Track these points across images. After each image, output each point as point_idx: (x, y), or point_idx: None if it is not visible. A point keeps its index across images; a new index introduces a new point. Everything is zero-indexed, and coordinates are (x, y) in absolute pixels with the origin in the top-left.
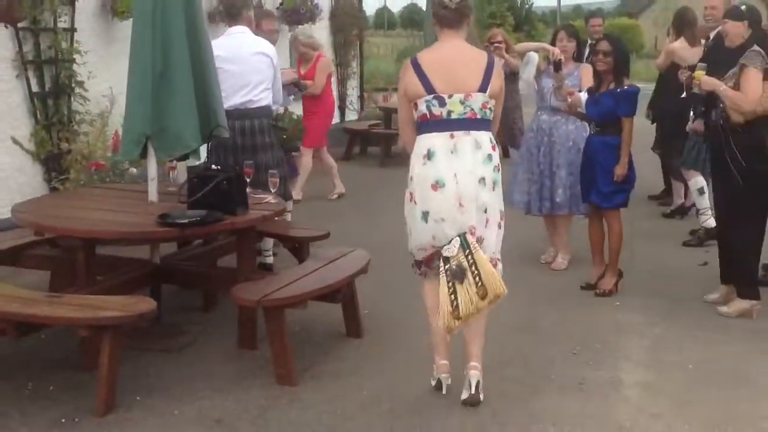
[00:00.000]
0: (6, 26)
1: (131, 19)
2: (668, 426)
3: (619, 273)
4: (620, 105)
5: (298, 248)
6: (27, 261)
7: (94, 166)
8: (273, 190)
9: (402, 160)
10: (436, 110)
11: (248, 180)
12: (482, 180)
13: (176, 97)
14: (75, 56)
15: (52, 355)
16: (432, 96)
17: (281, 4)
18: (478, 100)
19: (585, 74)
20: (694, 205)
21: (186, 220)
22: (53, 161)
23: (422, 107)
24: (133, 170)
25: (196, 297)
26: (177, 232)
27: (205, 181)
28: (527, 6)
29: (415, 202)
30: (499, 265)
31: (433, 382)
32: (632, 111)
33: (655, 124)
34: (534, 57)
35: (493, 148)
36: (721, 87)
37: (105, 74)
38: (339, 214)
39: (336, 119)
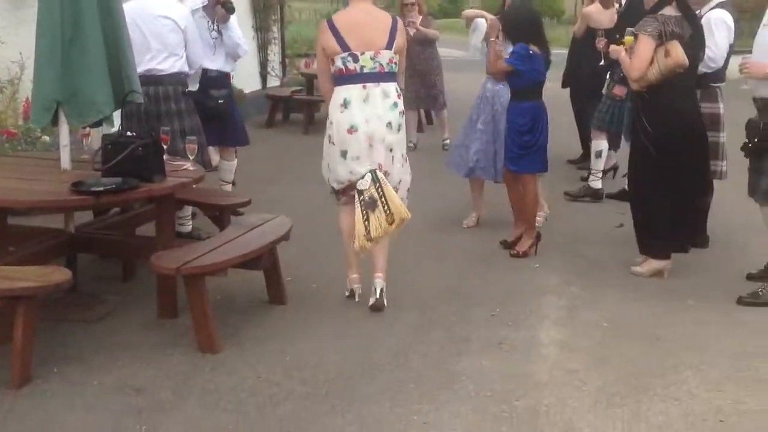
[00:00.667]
0: None
1: None
2: (583, 381)
3: (536, 236)
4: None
5: (219, 216)
6: None
7: (5, 134)
8: (191, 157)
9: (324, 128)
10: (351, 65)
11: (165, 147)
12: (389, 124)
13: (88, 61)
14: None
15: None
16: (347, 53)
17: None
18: (385, 56)
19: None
20: (613, 166)
21: (101, 188)
22: None
23: (339, 63)
24: (46, 138)
25: (114, 266)
26: (92, 200)
27: (120, 147)
28: None
29: (334, 143)
30: (407, 196)
31: (347, 293)
32: (514, 62)
33: (569, 89)
34: (481, 24)
35: (398, 96)
36: (621, 54)
37: (14, 39)
38: (262, 181)
39: (258, 85)
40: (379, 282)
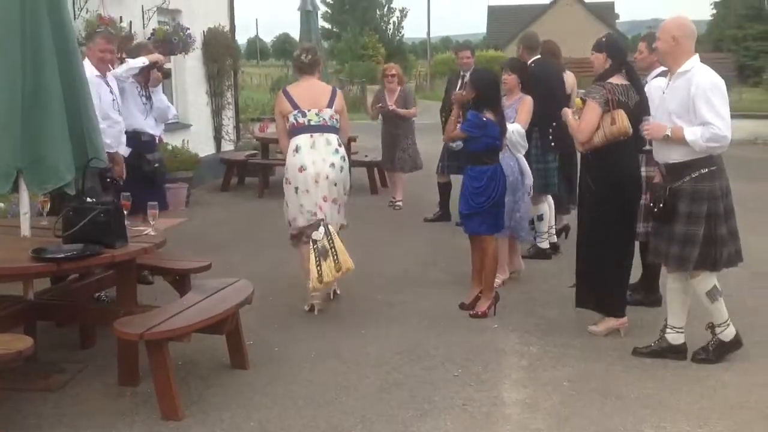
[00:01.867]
0: None
1: None
2: None
3: (495, 296)
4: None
5: (179, 280)
6: None
7: None
8: (152, 223)
9: (279, 191)
10: (300, 120)
11: (126, 212)
12: (332, 164)
13: (50, 126)
14: None
15: None
16: (297, 111)
17: (152, 34)
18: (327, 113)
19: (522, 106)
20: (564, 227)
21: (62, 255)
22: None
23: (291, 119)
24: (1, 205)
25: (71, 333)
26: (54, 266)
27: (82, 213)
28: (398, 38)
29: (289, 182)
30: (343, 215)
31: (307, 307)
32: (467, 129)
33: None
34: None
35: (339, 144)
36: (569, 116)
37: None
38: (218, 245)
39: (212, 149)
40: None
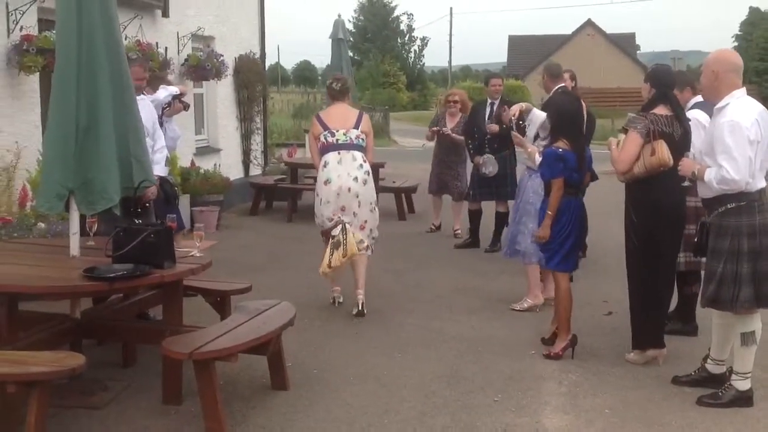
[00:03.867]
0: None
1: (38, 74)
2: None
3: (572, 338)
4: (543, 165)
5: (220, 302)
6: None
7: (1, 221)
8: (198, 244)
9: (307, 215)
10: (330, 139)
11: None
12: (356, 178)
13: (101, 150)
14: None
15: None
16: (327, 131)
17: (187, 60)
18: (353, 133)
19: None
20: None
21: (114, 274)
22: None
23: (321, 138)
24: (42, 225)
25: (113, 352)
26: (105, 286)
27: (132, 234)
28: (419, 66)
29: (317, 194)
30: (375, 232)
31: (332, 300)
32: (550, 173)
33: None
34: (537, 117)
35: (364, 160)
36: (612, 146)
37: (11, 128)
38: (251, 268)
39: (241, 174)
40: (360, 295)
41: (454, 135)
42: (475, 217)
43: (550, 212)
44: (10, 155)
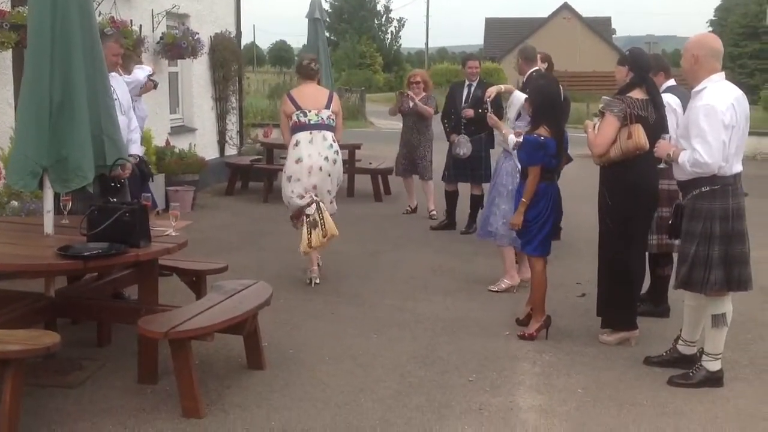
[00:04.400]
0: None
1: (10, 50)
2: None
3: (546, 319)
4: (522, 152)
5: (196, 281)
6: None
7: None
8: (173, 223)
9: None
10: (302, 119)
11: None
12: (326, 158)
13: (75, 127)
14: None
15: None
16: (299, 111)
17: (161, 38)
18: (325, 113)
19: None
20: None
21: (89, 252)
22: None
23: (294, 117)
24: (14, 203)
25: (86, 331)
26: (80, 264)
27: (108, 213)
28: (395, 47)
29: (286, 172)
30: (335, 204)
31: (308, 280)
32: (528, 159)
33: None
34: (517, 99)
35: (334, 140)
36: (588, 129)
37: None
38: (227, 248)
39: (216, 154)
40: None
41: (419, 103)
42: (451, 198)
43: (524, 199)
44: None
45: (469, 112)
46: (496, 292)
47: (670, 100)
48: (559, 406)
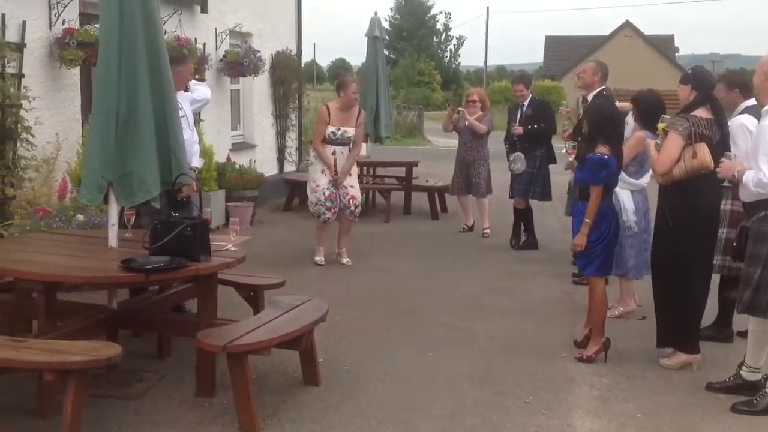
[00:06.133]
0: None
1: (78, 67)
2: None
3: (605, 342)
4: (584, 171)
5: (254, 296)
6: None
7: (41, 212)
8: (233, 238)
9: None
10: (332, 135)
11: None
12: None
13: (140, 142)
14: (22, 102)
15: (8, 402)
16: (332, 127)
17: (224, 56)
18: (350, 131)
19: (633, 140)
20: None
21: (151, 266)
22: None
23: (327, 131)
24: (80, 217)
25: (147, 344)
26: (142, 277)
27: (170, 227)
28: (454, 65)
29: (314, 180)
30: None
31: (317, 264)
32: (592, 179)
33: None
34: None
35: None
36: (650, 148)
37: (51, 120)
38: (284, 263)
39: (275, 170)
40: (344, 253)
41: (471, 119)
42: (521, 215)
43: (588, 220)
44: (50, 147)
45: (518, 130)
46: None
47: (745, 121)
48: (618, 431)
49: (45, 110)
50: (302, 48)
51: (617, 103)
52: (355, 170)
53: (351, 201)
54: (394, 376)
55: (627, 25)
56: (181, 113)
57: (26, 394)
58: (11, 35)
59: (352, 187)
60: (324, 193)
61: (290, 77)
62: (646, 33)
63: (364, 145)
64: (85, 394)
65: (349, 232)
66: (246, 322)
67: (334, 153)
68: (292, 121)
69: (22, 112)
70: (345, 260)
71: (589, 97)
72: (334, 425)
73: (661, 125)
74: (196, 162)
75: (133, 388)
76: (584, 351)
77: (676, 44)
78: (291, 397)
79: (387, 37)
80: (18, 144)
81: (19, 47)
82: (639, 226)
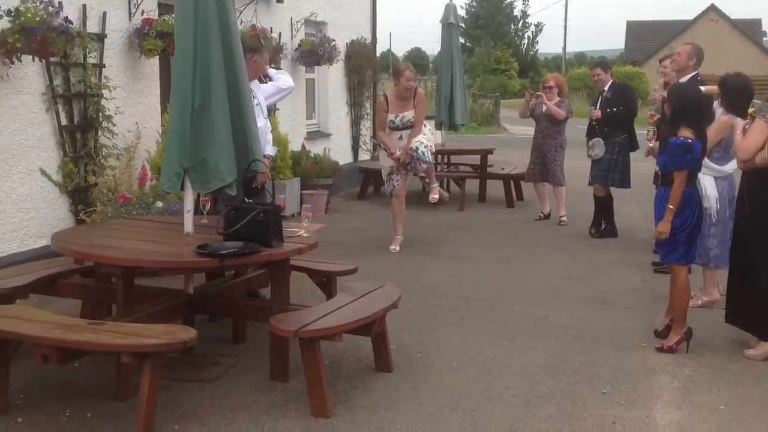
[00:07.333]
0: (41, 60)
1: (157, 57)
2: None
3: (687, 331)
4: (667, 156)
5: (326, 282)
6: (60, 290)
7: (122, 199)
8: (305, 224)
9: (412, 200)
10: (392, 123)
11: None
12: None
13: (214, 130)
14: (103, 91)
15: (87, 383)
16: (391, 114)
17: (299, 45)
18: (408, 115)
19: (717, 124)
20: None
21: (225, 251)
22: (80, 193)
23: (388, 119)
24: (159, 203)
25: (223, 328)
26: (216, 262)
27: (243, 213)
28: (532, 52)
29: (382, 167)
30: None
31: (390, 249)
32: (675, 164)
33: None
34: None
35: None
36: (737, 130)
37: (131, 110)
38: (358, 251)
39: (350, 158)
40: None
41: (550, 105)
42: (601, 202)
43: (672, 206)
44: (131, 136)
45: (596, 113)
46: (692, 307)
47: None
48: (700, 423)
49: (125, 99)
50: (377, 37)
51: (702, 88)
52: (425, 136)
53: (418, 163)
54: (467, 365)
55: (712, 8)
56: (254, 102)
57: (105, 376)
58: (92, 26)
59: (416, 149)
60: (393, 175)
61: (365, 66)
62: (732, 17)
63: (438, 132)
64: (160, 377)
65: (431, 172)
66: (318, 307)
67: (401, 138)
68: (366, 110)
69: (103, 102)
70: (432, 196)
71: (663, 83)
72: (405, 412)
73: (750, 110)
74: (270, 150)
75: (208, 371)
76: (665, 341)
77: (764, 28)
78: (363, 383)
79: (463, 25)
80: (99, 133)
81: (100, 38)
82: (723, 215)
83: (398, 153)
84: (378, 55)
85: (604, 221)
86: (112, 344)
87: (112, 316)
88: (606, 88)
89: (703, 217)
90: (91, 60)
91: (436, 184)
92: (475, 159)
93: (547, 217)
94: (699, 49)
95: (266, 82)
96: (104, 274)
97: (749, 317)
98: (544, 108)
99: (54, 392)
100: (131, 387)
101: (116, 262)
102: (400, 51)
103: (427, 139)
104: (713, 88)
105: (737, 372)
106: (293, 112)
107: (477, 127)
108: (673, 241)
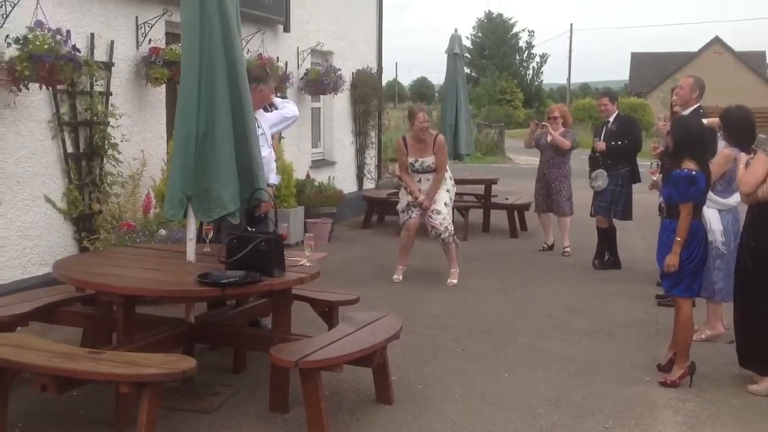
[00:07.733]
0: (48, 88)
1: (164, 86)
2: None
3: (690, 366)
4: (671, 188)
5: (328, 312)
6: (62, 317)
7: (126, 227)
8: (308, 253)
9: (417, 230)
10: (412, 167)
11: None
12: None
13: (218, 158)
14: (110, 119)
15: (87, 412)
16: (410, 158)
17: (305, 74)
18: (429, 160)
19: (719, 157)
20: None
21: (227, 280)
22: (84, 221)
23: (407, 162)
24: (162, 231)
25: (224, 357)
26: (218, 291)
27: (245, 242)
28: (537, 83)
29: (401, 202)
30: (450, 228)
31: (393, 279)
32: (680, 196)
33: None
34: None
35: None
36: (741, 164)
37: (137, 137)
38: (360, 280)
39: (354, 187)
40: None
41: (555, 134)
42: (605, 234)
43: (679, 239)
44: (136, 164)
45: (601, 145)
46: (695, 340)
47: None
48: None
49: (131, 127)
50: (383, 66)
51: (704, 120)
52: (442, 197)
53: (433, 230)
54: (469, 397)
55: (716, 41)
56: (259, 131)
57: (104, 405)
58: (100, 54)
59: (439, 213)
60: (412, 209)
61: (370, 95)
62: (737, 49)
63: None
64: (159, 407)
65: (451, 254)
66: (319, 337)
67: (420, 181)
68: (371, 139)
69: (109, 130)
70: (449, 281)
71: (667, 117)
72: None
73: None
74: (274, 179)
75: (207, 401)
76: (668, 375)
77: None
78: (364, 415)
79: (468, 55)
80: (105, 160)
81: (107, 66)
82: (728, 248)
83: (422, 198)
84: (384, 84)
85: (607, 253)
86: (110, 374)
87: (112, 345)
88: (611, 120)
89: (708, 250)
90: (98, 88)
91: (456, 269)
92: (479, 189)
93: (551, 247)
94: (701, 81)
95: (271, 111)
96: (105, 302)
97: (755, 353)
98: (549, 138)
99: (53, 421)
100: (130, 417)
101: (117, 290)
102: (406, 80)
103: (448, 195)
104: (715, 120)
105: (741, 407)
106: (299, 141)
107: (481, 157)
108: (678, 274)
